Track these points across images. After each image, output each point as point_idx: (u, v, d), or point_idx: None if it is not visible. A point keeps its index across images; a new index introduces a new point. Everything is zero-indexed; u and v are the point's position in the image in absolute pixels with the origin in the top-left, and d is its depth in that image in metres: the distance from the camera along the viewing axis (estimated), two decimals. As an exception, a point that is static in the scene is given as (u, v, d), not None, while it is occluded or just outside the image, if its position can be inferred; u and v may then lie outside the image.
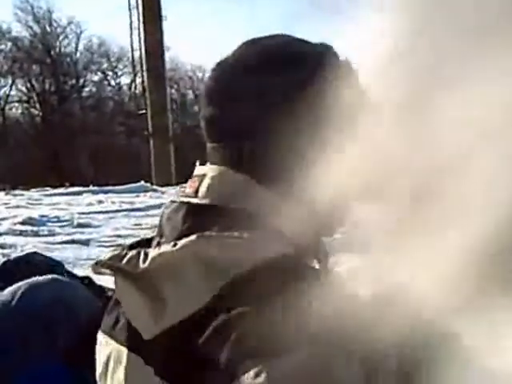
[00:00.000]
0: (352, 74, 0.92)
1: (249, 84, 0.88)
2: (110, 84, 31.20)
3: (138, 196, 12.46)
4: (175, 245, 0.80)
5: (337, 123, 0.82)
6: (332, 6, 0.73)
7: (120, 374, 0.84)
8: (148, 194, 12.88)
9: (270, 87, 0.87)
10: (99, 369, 0.90)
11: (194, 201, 0.88)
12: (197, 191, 0.88)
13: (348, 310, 0.73)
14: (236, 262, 0.77)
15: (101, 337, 0.92)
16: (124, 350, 0.84)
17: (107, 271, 0.86)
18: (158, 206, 9.44)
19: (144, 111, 18.84)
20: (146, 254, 0.82)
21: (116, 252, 0.87)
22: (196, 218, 0.86)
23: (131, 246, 0.91)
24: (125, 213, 9.79)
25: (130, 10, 18.90)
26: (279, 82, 0.87)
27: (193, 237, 0.80)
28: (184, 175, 1.33)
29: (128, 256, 0.84)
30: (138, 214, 9.72)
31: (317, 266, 0.90)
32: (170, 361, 0.77)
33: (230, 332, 0.72)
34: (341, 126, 0.82)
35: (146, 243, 0.92)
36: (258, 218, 0.84)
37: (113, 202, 11.19)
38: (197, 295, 0.76)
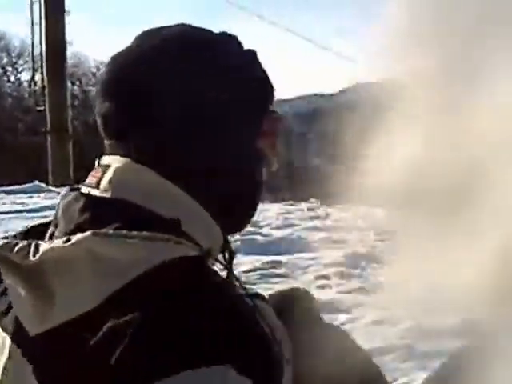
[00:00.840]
0: (255, 62, 0.96)
1: (146, 76, 0.87)
2: (9, 80, 30.43)
3: (31, 197, 12.01)
4: (68, 240, 0.77)
5: (245, 112, 0.90)
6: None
7: (1, 363, 0.79)
8: (42, 194, 12.43)
9: (169, 77, 0.86)
10: None
11: (95, 192, 0.85)
12: (98, 182, 0.85)
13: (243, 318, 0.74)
14: (134, 263, 0.74)
15: None
16: (8, 341, 0.79)
17: None
18: (52, 208, 8.88)
19: (42, 107, 18.26)
20: (37, 247, 0.78)
21: (6, 240, 0.82)
22: (94, 211, 0.82)
23: (25, 233, 0.89)
24: (15, 214, 9.50)
25: (31, 2, 18.09)
26: (178, 72, 0.87)
27: (88, 233, 0.77)
28: (84, 175, 1.01)
29: (18, 246, 0.79)
30: (30, 215, 9.35)
31: (221, 269, 0.89)
32: (53, 362, 0.72)
33: (119, 341, 0.69)
34: (248, 116, 0.90)
35: (40, 232, 0.88)
36: (161, 217, 0.82)
37: (3, 203, 10.80)
38: (89, 296, 0.73)
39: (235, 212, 0.93)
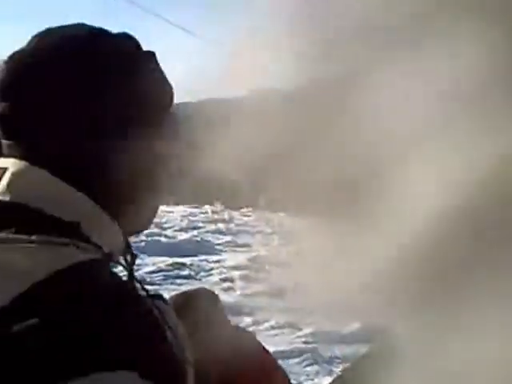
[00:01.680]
0: (154, 64, 0.96)
1: (42, 76, 0.85)
2: None
3: None
4: None
5: (145, 113, 0.89)
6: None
7: None
8: None
9: (65, 77, 0.85)
10: None
11: None
12: None
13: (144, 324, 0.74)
14: (33, 268, 0.73)
15: None
16: None
17: None
18: None
19: None
20: None
21: None
22: None
23: None
24: None
25: None
26: (74, 72, 0.86)
27: None
28: None
29: None
30: None
31: (122, 271, 0.88)
32: None
33: (21, 346, 0.68)
34: (147, 117, 0.89)
35: None
36: (60, 221, 0.81)
37: None
38: None
39: (134, 213, 0.91)
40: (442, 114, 0.65)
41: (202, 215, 12.93)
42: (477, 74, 0.62)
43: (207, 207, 14.42)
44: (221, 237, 9.59)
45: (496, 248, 0.64)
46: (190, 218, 11.88)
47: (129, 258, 0.94)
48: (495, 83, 0.63)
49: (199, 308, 1.11)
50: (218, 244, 8.95)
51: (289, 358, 3.50)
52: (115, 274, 0.83)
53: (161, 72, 0.97)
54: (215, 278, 6.46)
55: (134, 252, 0.96)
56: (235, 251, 8.33)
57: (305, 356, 3.71)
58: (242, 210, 13.90)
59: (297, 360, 3.63)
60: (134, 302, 0.78)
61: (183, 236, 9.18)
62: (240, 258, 7.39)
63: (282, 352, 3.54)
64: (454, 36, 0.64)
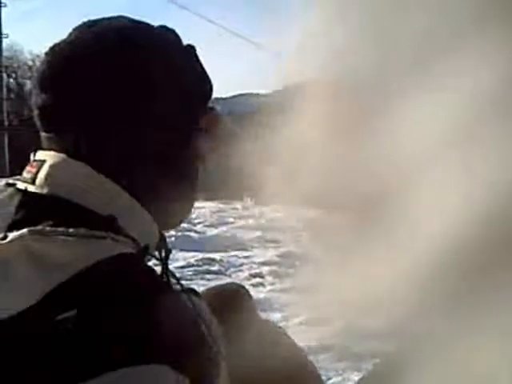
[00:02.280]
0: (194, 58, 0.95)
1: (84, 69, 0.85)
2: None
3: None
4: (5, 237, 0.76)
5: (183, 109, 0.90)
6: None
7: None
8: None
9: (107, 72, 0.85)
10: None
11: (31, 188, 0.83)
12: (34, 178, 0.84)
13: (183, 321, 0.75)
14: (72, 261, 0.74)
15: None
16: None
17: None
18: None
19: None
20: None
21: None
22: (30, 208, 0.81)
23: None
24: None
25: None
26: (116, 66, 0.86)
27: (24, 230, 0.76)
28: (20, 167, 0.97)
29: None
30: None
31: (156, 264, 0.88)
32: None
33: (56, 338, 0.68)
34: (185, 112, 0.90)
35: None
36: (97, 214, 0.82)
37: None
38: (25, 293, 0.72)
39: (171, 208, 0.91)
40: (457, 132, 0.65)
41: (232, 211, 12.94)
42: (494, 91, 0.62)
43: (237, 203, 14.43)
44: (251, 232, 9.59)
45: None
46: (220, 213, 11.90)
47: (163, 252, 0.94)
48: (509, 103, 0.63)
49: (232, 304, 1.12)
50: (248, 240, 8.96)
51: (318, 353, 3.50)
52: (151, 268, 0.83)
53: (201, 66, 0.97)
54: (245, 274, 6.47)
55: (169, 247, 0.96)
56: (265, 247, 8.33)
57: (334, 352, 3.69)
58: (272, 206, 13.88)
59: (326, 355, 3.61)
60: (169, 297, 0.78)
61: (213, 231, 9.20)
62: (270, 253, 7.39)
63: (311, 348, 3.54)
64: (474, 53, 0.64)
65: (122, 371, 0.67)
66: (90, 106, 0.85)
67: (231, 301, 1.13)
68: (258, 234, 9.47)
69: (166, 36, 0.94)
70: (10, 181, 0.89)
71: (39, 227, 0.77)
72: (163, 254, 0.94)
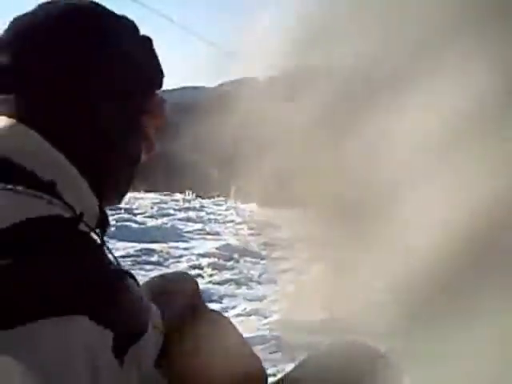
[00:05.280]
0: (149, 47, 1.01)
1: (44, 37, 0.89)
2: None
3: None
4: None
5: (130, 87, 0.93)
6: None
7: None
8: None
9: (66, 46, 0.89)
10: None
11: None
12: None
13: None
14: (9, 213, 0.77)
15: None
16: None
17: None
18: None
19: None
20: None
21: None
22: None
23: None
24: None
25: None
26: (75, 43, 0.89)
27: None
28: None
29: None
30: None
31: (94, 236, 0.90)
32: None
33: None
34: (132, 91, 0.93)
35: None
36: (38, 177, 0.84)
37: None
38: None
39: (110, 183, 0.96)
40: (448, 140, 0.67)
41: (173, 203, 12.87)
42: (485, 101, 0.65)
43: (178, 195, 14.36)
44: (191, 224, 9.57)
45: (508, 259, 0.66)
46: (160, 205, 11.82)
47: (101, 227, 0.97)
48: (502, 115, 0.66)
49: (178, 288, 1.15)
50: (188, 231, 8.94)
51: (254, 344, 3.55)
52: (84, 232, 0.86)
53: (155, 56, 1.01)
54: (184, 265, 6.46)
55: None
56: (205, 239, 8.33)
57: (269, 343, 3.74)
58: (213, 199, 13.87)
59: (261, 347, 3.66)
60: (96, 256, 0.82)
61: (153, 222, 9.14)
62: (209, 246, 7.40)
63: (248, 338, 3.58)
64: (466, 64, 0.66)
65: (41, 322, 0.69)
66: (44, 73, 0.88)
67: (177, 285, 1.15)
68: (198, 226, 9.46)
69: (126, 23, 0.98)
70: None
71: None
72: (100, 229, 0.96)
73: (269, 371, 3.54)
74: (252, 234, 8.35)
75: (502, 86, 0.64)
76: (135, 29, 1.00)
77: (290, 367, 1.19)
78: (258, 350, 3.55)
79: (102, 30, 0.93)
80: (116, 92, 0.92)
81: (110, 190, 0.97)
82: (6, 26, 0.95)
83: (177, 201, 13.41)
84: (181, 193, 14.42)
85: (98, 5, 0.97)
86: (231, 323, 1.16)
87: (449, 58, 0.66)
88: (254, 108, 0.86)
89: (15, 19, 0.94)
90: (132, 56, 0.95)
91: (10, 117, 0.88)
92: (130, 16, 1.00)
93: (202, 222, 10.09)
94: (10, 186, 0.80)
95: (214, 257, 6.70)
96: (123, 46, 0.94)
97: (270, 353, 3.63)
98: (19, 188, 0.81)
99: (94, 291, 0.75)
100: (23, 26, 0.92)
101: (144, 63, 0.98)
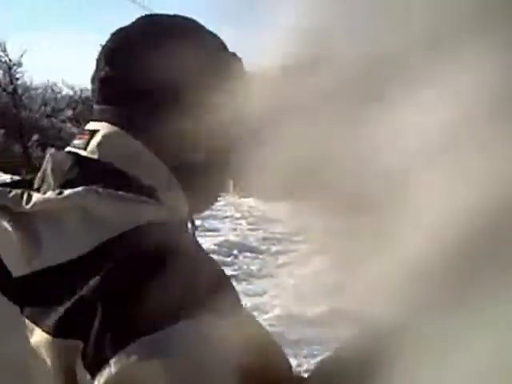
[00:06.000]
0: (241, 68, 1.02)
1: (148, 52, 0.92)
2: None
3: None
4: (61, 193, 0.83)
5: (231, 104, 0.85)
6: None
7: None
8: None
9: (165, 56, 0.89)
10: None
11: (83, 153, 0.91)
12: (86, 145, 0.91)
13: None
14: (121, 220, 0.81)
15: None
16: None
17: None
18: None
19: None
20: (30, 196, 0.85)
21: None
22: (82, 170, 0.88)
23: (14, 184, 0.94)
24: None
25: None
26: (177, 57, 0.90)
27: (80, 189, 0.83)
28: None
29: (11, 194, 0.87)
30: None
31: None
32: (38, 302, 0.79)
33: (104, 288, 0.75)
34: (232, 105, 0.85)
35: (27, 184, 0.93)
36: (141, 184, 0.88)
37: None
38: (75, 245, 0.79)
39: (204, 194, 1.01)
40: (453, 135, 0.66)
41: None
42: (489, 92, 0.63)
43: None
44: (189, 221, 9.58)
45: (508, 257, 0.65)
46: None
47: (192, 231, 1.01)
48: (501, 110, 0.64)
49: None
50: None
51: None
52: (192, 236, 0.92)
53: (242, 71, 1.03)
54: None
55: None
56: (204, 236, 8.35)
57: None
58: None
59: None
60: (208, 256, 0.86)
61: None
62: (208, 242, 7.41)
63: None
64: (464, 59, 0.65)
65: (182, 323, 0.72)
66: (145, 85, 0.91)
67: None
68: (197, 223, 9.49)
69: (219, 40, 1.01)
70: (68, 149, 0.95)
71: (94, 187, 0.83)
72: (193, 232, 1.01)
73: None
74: (251, 229, 8.38)
75: (508, 83, 0.63)
76: (225, 47, 1.03)
77: (292, 362, 1.16)
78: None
79: (199, 46, 0.96)
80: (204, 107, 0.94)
81: (202, 200, 1.01)
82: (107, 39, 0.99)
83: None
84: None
85: (194, 21, 1.01)
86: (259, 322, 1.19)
87: (461, 47, 0.65)
88: (252, 100, 0.84)
89: (116, 32, 0.98)
90: (222, 70, 0.97)
91: (111, 125, 0.92)
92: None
93: (200, 218, 10.11)
94: (120, 193, 0.83)
95: (213, 253, 6.72)
96: (216, 61, 0.97)
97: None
98: (127, 194, 0.84)
99: (220, 291, 0.78)
100: (123, 39, 0.96)
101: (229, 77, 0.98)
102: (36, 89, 27.51)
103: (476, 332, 0.67)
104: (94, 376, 0.72)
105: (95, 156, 0.90)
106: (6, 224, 0.85)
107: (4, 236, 0.85)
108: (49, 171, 0.92)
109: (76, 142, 0.93)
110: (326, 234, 0.84)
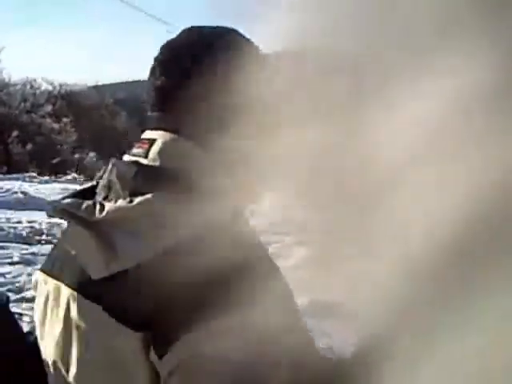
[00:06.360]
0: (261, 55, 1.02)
1: (200, 61, 0.97)
2: None
3: None
4: (131, 201, 0.90)
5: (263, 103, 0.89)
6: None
7: (60, 310, 0.93)
8: None
9: (213, 67, 0.95)
10: (39, 307, 1.00)
11: (144, 161, 0.96)
12: (147, 153, 0.96)
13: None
14: (189, 222, 0.86)
15: (40, 276, 1.02)
16: (63, 288, 0.94)
17: (62, 216, 0.95)
18: None
19: None
20: (103, 206, 0.91)
21: (71, 200, 0.96)
22: (147, 177, 0.93)
23: (80, 194, 1.01)
24: None
25: None
26: (225, 66, 0.94)
27: (149, 195, 0.89)
28: None
29: (85, 205, 0.93)
30: None
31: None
32: (119, 301, 0.86)
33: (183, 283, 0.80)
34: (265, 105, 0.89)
35: (90, 194, 1.01)
36: (205, 186, 0.91)
37: None
38: (146, 247, 0.86)
39: (250, 194, 1.04)
40: (444, 135, 0.66)
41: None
42: (480, 91, 0.64)
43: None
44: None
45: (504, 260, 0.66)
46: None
47: None
48: (498, 104, 0.65)
49: None
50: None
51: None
52: (260, 242, 0.96)
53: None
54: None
55: None
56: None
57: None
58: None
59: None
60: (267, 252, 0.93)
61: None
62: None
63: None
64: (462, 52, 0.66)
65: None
66: (197, 93, 0.95)
67: None
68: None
69: (256, 48, 1.04)
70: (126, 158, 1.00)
71: (162, 193, 0.90)
72: None
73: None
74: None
75: (504, 78, 0.65)
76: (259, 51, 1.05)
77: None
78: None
79: (241, 56, 0.98)
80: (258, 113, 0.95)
81: (248, 200, 1.05)
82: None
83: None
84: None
85: (236, 31, 1.04)
86: None
87: (450, 46, 0.67)
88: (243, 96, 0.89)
89: (166, 44, 1.02)
90: (266, 74, 0.97)
91: (166, 131, 0.97)
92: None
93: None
94: (184, 196, 0.88)
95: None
96: (255, 70, 0.98)
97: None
98: (191, 196, 0.88)
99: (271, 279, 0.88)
100: (173, 51, 1.00)
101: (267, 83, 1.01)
102: (15, 85, 27.05)
103: (460, 330, 0.68)
104: (161, 357, 0.82)
105: (157, 163, 0.95)
106: (80, 231, 0.91)
107: (82, 243, 0.91)
108: (115, 180, 0.97)
109: (135, 150, 0.98)
110: (307, 226, 0.88)
